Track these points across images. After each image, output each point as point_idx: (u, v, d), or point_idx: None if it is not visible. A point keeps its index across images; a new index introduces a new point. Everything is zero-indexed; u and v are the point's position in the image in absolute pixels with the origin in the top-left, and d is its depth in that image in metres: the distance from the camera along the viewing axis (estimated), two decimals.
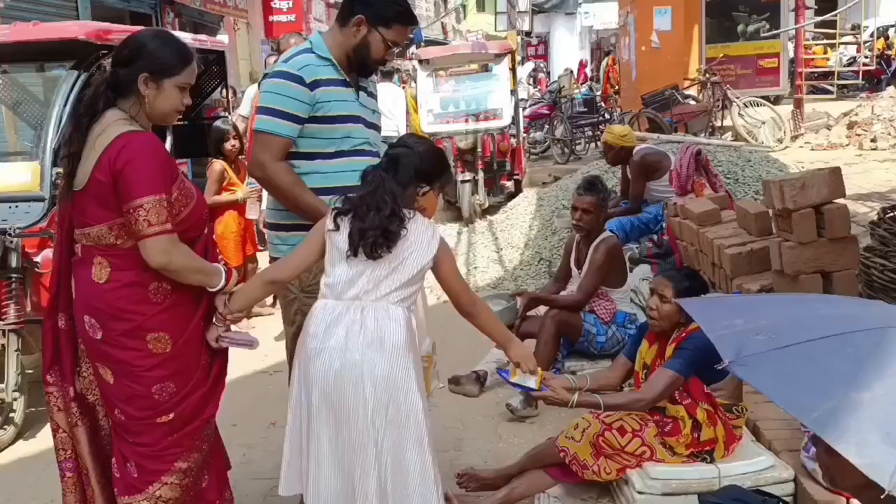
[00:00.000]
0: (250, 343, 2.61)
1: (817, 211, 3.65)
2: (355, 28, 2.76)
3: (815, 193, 3.63)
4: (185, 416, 2.39)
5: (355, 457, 2.33)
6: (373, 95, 3.00)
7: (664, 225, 5.81)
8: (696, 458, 2.97)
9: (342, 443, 2.34)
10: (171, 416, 2.36)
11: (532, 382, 2.89)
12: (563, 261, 4.67)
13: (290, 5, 15.94)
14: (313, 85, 2.74)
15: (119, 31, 4.72)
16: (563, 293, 4.63)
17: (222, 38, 11.30)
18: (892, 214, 4.32)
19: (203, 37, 7.30)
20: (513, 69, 9.91)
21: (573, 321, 4.25)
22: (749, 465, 2.92)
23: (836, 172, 3.72)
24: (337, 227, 2.42)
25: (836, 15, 14.17)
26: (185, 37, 8.38)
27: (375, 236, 2.36)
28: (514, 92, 9.66)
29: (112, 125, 2.25)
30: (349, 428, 2.33)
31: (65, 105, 4.48)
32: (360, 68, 2.85)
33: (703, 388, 2.99)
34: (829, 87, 16.66)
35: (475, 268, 7.27)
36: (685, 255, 5.33)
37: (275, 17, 15.94)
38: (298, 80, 2.73)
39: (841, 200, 3.87)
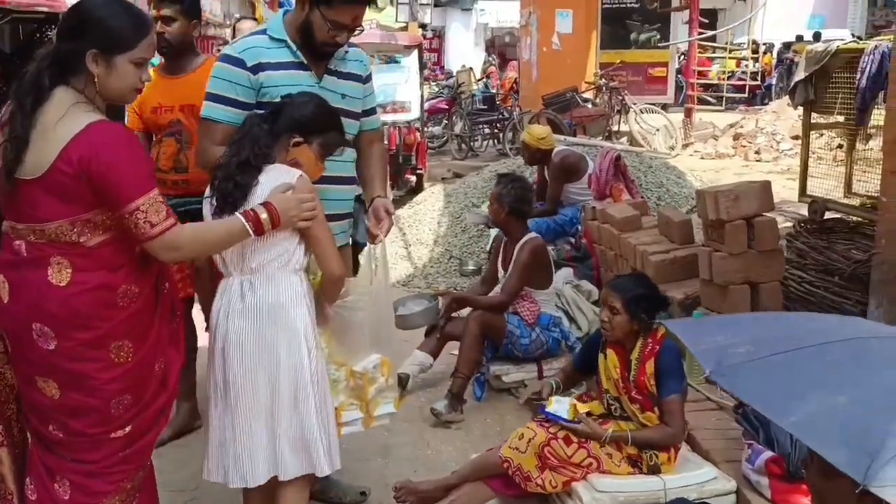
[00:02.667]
0: None
1: (748, 223, 3.72)
2: (299, 6, 2.59)
3: (747, 206, 3.70)
4: (141, 429, 2.18)
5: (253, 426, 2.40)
6: (351, 77, 2.79)
7: (580, 227, 5.84)
8: (640, 468, 2.94)
9: (240, 414, 2.39)
10: (128, 429, 2.15)
11: (565, 412, 2.92)
12: (490, 263, 4.60)
13: None
14: (256, 68, 2.60)
15: None
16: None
17: None
18: (807, 228, 4.50)
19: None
20: (420, 61, 9.78)
21: (496, 322, 4.18)
22: (693, 476, 2.92)
23: (766, 186, 3.82)
24: (213, 194, 2.42)
25: (726, 30, 14.86)
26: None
27: (225, 188, 2.33)
28: (421, 85, 9.52)
29: (71, 111, 2.00)
30: (245, 400, 2.38)
31: None
32: (311, 51, 2.65)
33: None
34: (711, 99, 17.53)
35: None
36: (603, 260, 5.37)
37: None
38: (239, 62, 2.60)
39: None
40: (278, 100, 2.59)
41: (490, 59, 21.59)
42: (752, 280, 3.75)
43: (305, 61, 2.66)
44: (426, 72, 20.36)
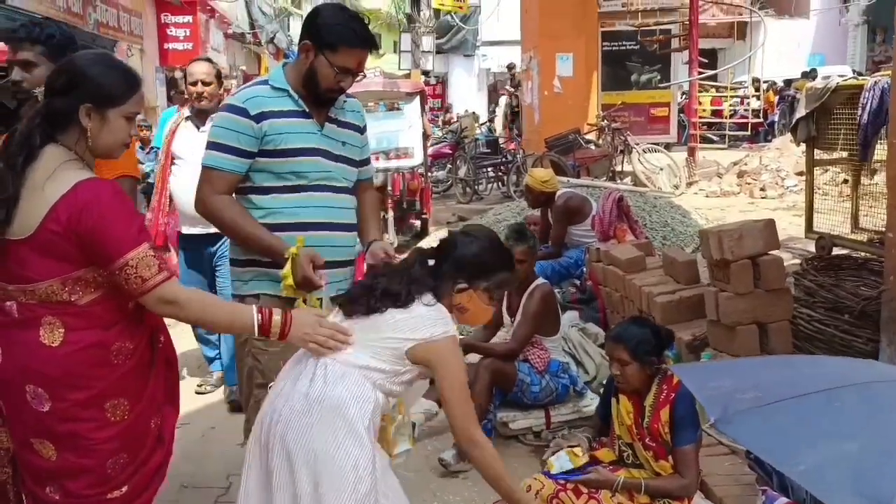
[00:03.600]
0: None
1: (753, 262, 3.67)
2: (304, 55, 2.63)
3: (752, 244, 3.66)
4: (138, 489, 2.13)
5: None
6: (350, 126, 2.82)
7: (585, 269, 5.80)
8: None
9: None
10: (125, 489, 2.09)
11: (568, 464, 2.88)
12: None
13: (188, 33, 15.45)
14: (259, 117, 2.62)
15: (4, 53, 4.30)
16: (494, 340, 4.49)
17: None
18: (815, 265, 4.45)
19: None
20: (422, 107, 9.85)
21: (507, 370, 4.11)
22: None
23: (770, 224, 3.78)
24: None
25: (727, 69, 14.98)
26: None
27: (365, 292, 2.16)
28: (424, 131, 9.59)
29: (61, 168, 1.98)
30: (271, 483, 2.08)
31: None
32: (314, 98, 2.68)
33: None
34: (714, 137, 17.60)
35: None
36: (609, 301, 5.32)
37: (170, 45, 15.41)
38: (242, 112, 2.62)
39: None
40: (281, 147, 2.62)
41: (493, 108, 21.76)
42: (760, 320, 3.69)
43: (307, 109, 2.68)
44: (428, 114, 20.62)
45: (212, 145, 2.66)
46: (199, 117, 4.39)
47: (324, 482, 2.01)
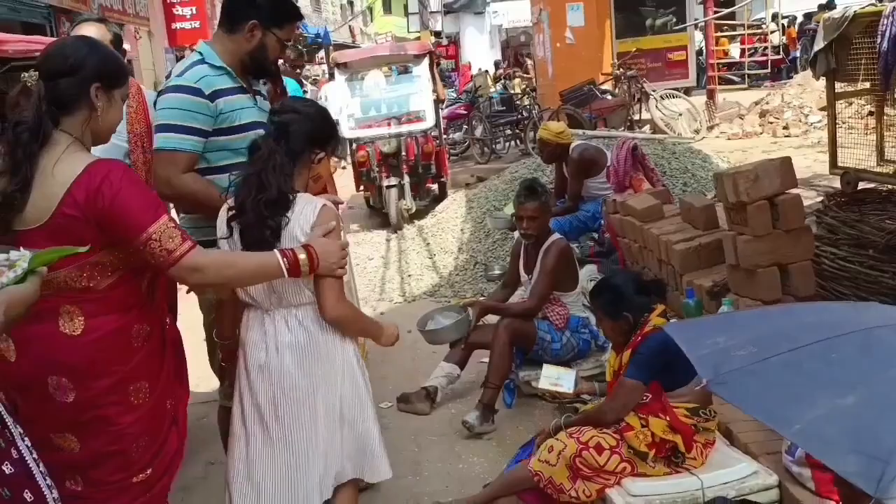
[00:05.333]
0: None
1: (771, 202, 3.57)
2: (249, 34, 2.72)
3: (768, 185, 3.55)
4: (159, 472, 2.15)
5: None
6: (266, 97, 2.97)
7: (603, 222, 5.71)
8: (672, 466, 2.82)
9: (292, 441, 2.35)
10: (149, 472, 2.12)
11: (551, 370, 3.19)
12: (510, 266, 4.49)
13: (194, 11, 15.35)
14: (213, 96, 2.67)
15: (14, 41, 4.29)
16: (512, 300, 4.45)
17: (125, 47, 10.70)
18: (837, 201, 4.32)
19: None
20: (432, 69, 9.71)
21: (526, 329, 4.07)
22: (731, 472, 2.79)
23: (786, 162, 3.66)
24: (231, 234, 2.34)
25: (742, 7, 14.57)
26: None
27: (259, 234, 2.26)
28: (435, 92, 9.45)
29: (68, 153, 1.97)
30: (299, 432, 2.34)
31: None
32: (257, 72, 2.84)
33: (660, 397, 2.84)
34: (735, 78, 17.17)
35: (409, 276, 7.03)
36: (628, 253, 5.24)
37: (178, 25, 15.32)
38: (197, 92, 2.64)
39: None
40: (237, 123, 2.70)
41: (502, 63, 21.46)
42: (780, 261, 3.59)
43: (244, 85, 2.78)
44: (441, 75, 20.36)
45: (168, 127, 2.64)
46: None
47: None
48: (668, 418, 2.80)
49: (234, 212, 2.33)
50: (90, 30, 3.06)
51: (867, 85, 6.20)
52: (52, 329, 1.98)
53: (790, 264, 3.60)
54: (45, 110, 1.96)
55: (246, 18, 2.69)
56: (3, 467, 1.49)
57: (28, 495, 1.52)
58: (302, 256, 2.20)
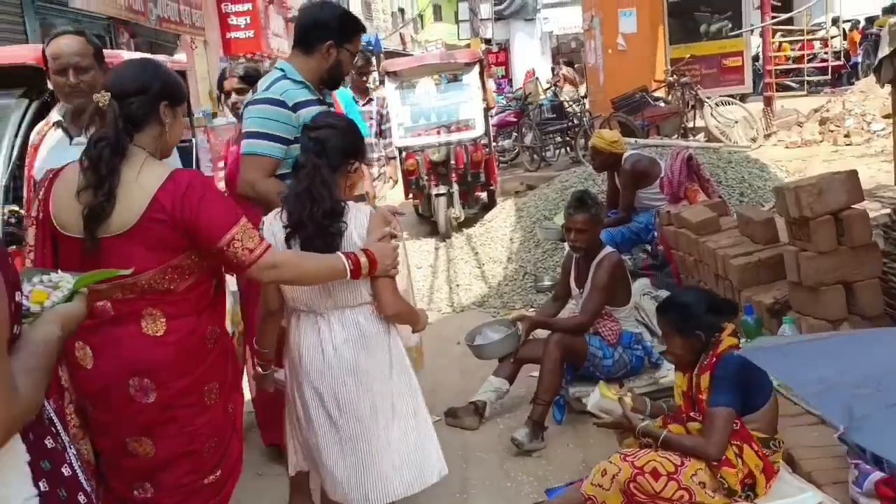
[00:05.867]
0: (285, 384, 2.70)
1: (836, 217, 3.42)
2: (326, 53, 3.00)
3: (833, 199, 3.41)
4: (226, 474, 2.26)
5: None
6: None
7: (655, 234, 5.58)
8: (739, 497, 2.70)
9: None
10: (218, 473, 2.23)
11: (597, 395, 3.00)
12: (561, 279, 4.40)
13: (248, 21, 15.58)
14: (295, 107, 2.92)
15: None
16: (562, 313, 4.36)
17: (180, 57, 10.93)
18: None
19: (162, 57, 6.91)
20: (482, 77, 9.66)
21: (578, 345, 3.98)
22: (795, 502, 2.66)
23: (852, 176, 3.51)
24: (290, 249, 2.50)
25: (801, 11, 14.21)
26: (162, 59, 8.03)
27: (323, 244, 2.43)
28: (485, 100, 9.39)
29: (147, 163, 2.12)
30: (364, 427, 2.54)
31: (15, 136, 4.09)
32: (331, 84, 3.14)
33: (741, 423, 2.72)
34: (793, 84, 16.74)
35: (457, 285, 6.98)
36: (682, 266, 5.10)
37: (232, 34, 15.57)
38: (281, 104, 2.91)
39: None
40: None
41: (556, 69, 21.25)
42: (845, 279, 3.44)
43: (321, 97, 3.06)
44: (493, 85, 20.28)
45: (252, 134, 2.92)
46: (73, 121, 3.00)
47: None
48: (756, 447, 2.68)
49: (289, 228, 2.48)
50: (69, 41, 2.87)
51: None
52: (136, 331, 2.09)
53: (856, 282, 3.44)
54: (122, 127, 2.10)
55: (322, 40, 2.97)
56: (63, 469, 1.56)
57: (82, 497, 1.60)
58: (363, 259, 2.40)
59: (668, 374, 4.16)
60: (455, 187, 8.72)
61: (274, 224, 2.54)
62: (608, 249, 4.11)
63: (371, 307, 2.56)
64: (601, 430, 3.95)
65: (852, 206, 3.45)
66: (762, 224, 4.28)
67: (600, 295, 3.98)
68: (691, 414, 2.80)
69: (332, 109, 3.11)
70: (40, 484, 1.45)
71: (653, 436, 2.76)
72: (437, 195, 8.57)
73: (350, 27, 3.06)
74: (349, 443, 2.54)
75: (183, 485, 2.15)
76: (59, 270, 1.75)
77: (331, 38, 2.97)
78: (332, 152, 2.52)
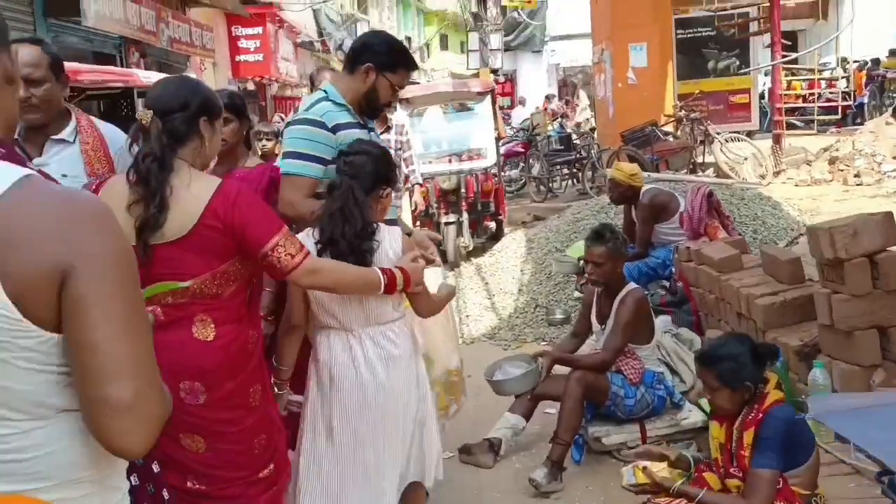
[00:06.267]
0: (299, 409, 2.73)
1: (871, 260, 3.33)
2: (364, 75, 2.98)
3: (868, 241, 3.32)
4: (279, 467, 2.36)
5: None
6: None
7: (673, 269, 5.49)
8: None
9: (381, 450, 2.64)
10: (271, 467, 2.32)
11: (632, 478, 2.90)
12: (581, 314, 4.29)
13: (258, 45, 15.62)
14: (335, 129, 2.92)
15: (88, 72, 4.31)
16: (582, 349, 4.26)
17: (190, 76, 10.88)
18: None
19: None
20: (493, 106, 9.64)
21: (600, 383, 3.87)
22: None
23: (888, 217, 3.43)
24: None
25: (814, 51, 14.27)
26: (160, 77, 8.00)
27: (352, 261, 2.52)
28: (496, 129, 9.37)
29: (194, 175, 2.23)
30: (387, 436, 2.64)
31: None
32: (369, 111, 3.08)
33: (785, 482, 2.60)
34: (798, 123, 16.77)
35: (467, 316, 6.87)
36: (702, 304, 5.01)
37: (241, 57, 15.61)
38: (321, 125, 2.91)
39: None
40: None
41: (560, 102, 21.35)
42: (880, 324, 3.34)
43: (361, 121, 3.03)
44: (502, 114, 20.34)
45: (292, 154, 2.91)
46: (30, 140, 2.75)
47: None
48: None
49: (321, 245, 2.58)
50: (27, 51, 2.68)
51: None
52: (187, 336, 2.17)
53: (891, 327, 3.34)
54: (166, 143, 2.19)
55: (363, 61, 2.96)
56: (153, 466, 1.68)
57: (165, 493, 1.71)
58: (398, 276, 2.53)
59: (690, 415, 4.06)
60: (465, 216, 8.65)
61: (306, 241, 2.56)
62: (632, 285, 4.02)
63: (400, 324, 2.68)
64: (621, 471, 3.88)
65: (888, 249, 3.36)
66: (788, 263, 4.20)
67: (624, 332, 3.88)
68: (731, 470, 2.67)
69: (371, 135, 3.08)
70: (131, 479, 1.55)
71: (689, 496, 2.62)
72: (447, 224, 8.49)
73: (396, 57, 3.02)
74: (360, 454, 2.61)
75: (239, 479, 2.25)
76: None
77: (372, 61, 2.96)
78: (364, 177, 2.62)
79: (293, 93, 17.23)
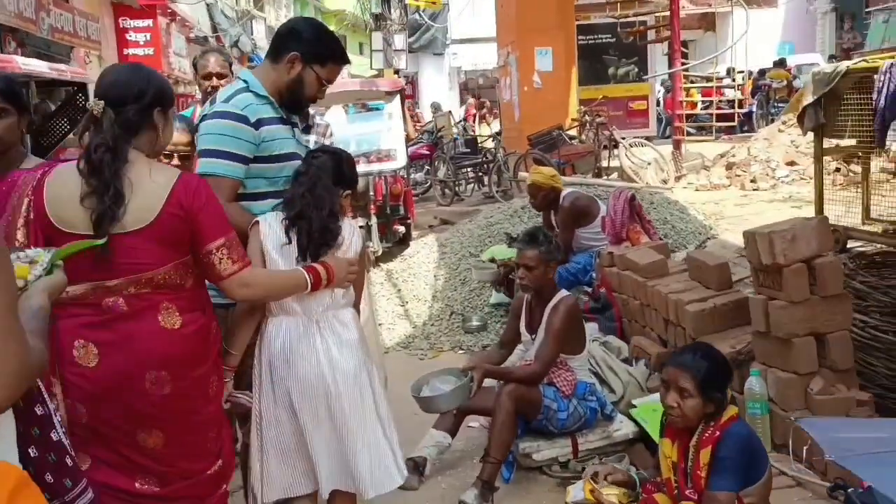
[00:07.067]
0: (250, 403, 2.64)
1: (808, 266, 3.27)
2: (289, 65, 2.72)
3: (805, 246, 3.26)
4: (226, 462, 2.35)
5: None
6: (307, 129, 3.00)
7: (594, 275, 5.38)
8: None
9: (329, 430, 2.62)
10: (220, 463, 2.32)
11: (581, 494, 2.85)
12: (510, 323, 4.08)
13: (148, 38, 14.81)
14: (257, 124, 2.66)
15: None
16: (511, 359, 4.05)
17: (77, 68, 10.14)
18: (859, 263, 4.06)
19: (63, 66, 6.28)
20: (403, 107, 9.38)
21: (532, 396, 3.67)
22: None
23: (823, 223, 3.38)
24: (290, 240, 2.56)
25: (713, 58, 14.73)
26: (41, 65, 7.32)
27: (321, 237, 2.55)
28: (405, 130, 9.11)
29: (153, 164, 2.22)
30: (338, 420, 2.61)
31: None
32: (291, 106, 2.80)
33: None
34: (691, 130, 17.32)
35: (380, 325, 6.56)
36: (626, 310, 4.91)
37: (130, 50, 14.76)
38: (243, 119, 2.64)
39: None
40: (276, 153, 2.71)
41: (468, 104, 21.34)
42: (818, 330, 3.29)
43: (284, 116, 2.76)
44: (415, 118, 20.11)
45: (213, 153, 2.64)
46: None
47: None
48: None
49: (288, 221, 2.56)
50: (213, 57, 3.36)
51: (853, 141, 6.10)
52: (153, 326, 2.15)
53: (828, 333, 3.29)
54: (119, 133, 2.14)
55: (289, 50, 2.71)
56: (52, 435, 1.67)
57: (69, 461, 1.70)
58: (323, 274, 2.51)
59: (622, 426, 3.92)
60: (374, 220, 8.35)
61: (271, 219, 2.60)
62: (563, 293, 3.84)
63: (350, 310, 2.71)
64: (553, 489, 3.70)
65: (823, 254, 3.31)
66: (716, 269, 4.14)
67: (556, 342, 3.69)
68: (686, 492, 2.51)
69: (296, 131, 2.81)
70: (30, 450, 1.59)
71: None
72: None
73: (327, 49, 2.75)
74: (336, 441, 2.61)
75: (189, 475, 2.23)
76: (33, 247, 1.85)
77: (299, 51, 2.69)
78: (331, 171, 2.62)
79: (186, 90, 16.42)
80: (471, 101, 18.80)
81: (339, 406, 2.59)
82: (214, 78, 4.05)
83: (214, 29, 21.06)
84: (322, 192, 2.57)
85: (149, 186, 2.13)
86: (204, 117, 2.80)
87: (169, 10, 15.72)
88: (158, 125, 2.24)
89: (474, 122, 16.51)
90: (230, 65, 4.11)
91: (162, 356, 2.15)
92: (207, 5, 20.68)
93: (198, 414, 2.25)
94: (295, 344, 2.59)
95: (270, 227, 2.60)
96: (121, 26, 14.71)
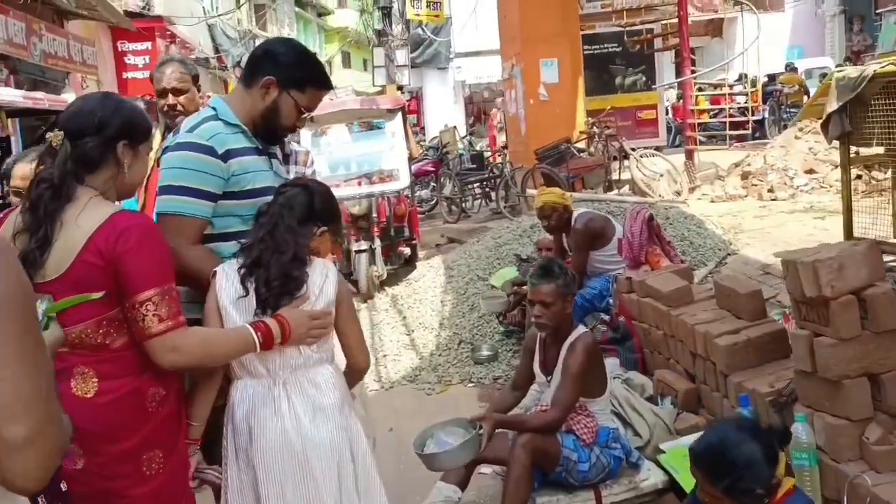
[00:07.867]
0: (218, 480, 2.31)
1: (858, 298, 2.90)
2: (264, 90, 2.46)
3: (854, 275, 2.89)
4: None
5: None
6: (287, 159, 2.74)
7: (610, 301, 5.01)
8: None
9: None
10: None
11: None
12: (522, 363, 3.71)
13: (147, 61, 14.60)
14: (226, 156, 2.39)
15: None
16: (524, 402, 3.69)
17: (67, 96, 9.90)
18: None
19: (39, 94, 5.99)
20: (405, 124, 9.06)
21: (549, 447, 3.30)
22: None
23: (873, 249, 3.01)
24: (247, 292, 2.27)
25: (723, 66, 14.40)
26: (15, 94, 7.05)
27: (282, 286, 2.25)
28: (408, 149, 8.80)
29: (92, 203, 1.97)
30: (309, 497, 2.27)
31: None
32: (266, 135, 2.53)
33: None
34: (702, 138, 16.95)
35: (384, 356, 6.22)
36: (647, 341, 4.53)
37: (129, 74, 14.60)
38: (209, 150, 2.37)
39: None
40: (248, 188, 2.45)
41: (472, 121, 21.07)
42: (871, 371, 2.91)
43: (260, 146, 2.50)
44: (418, 135, 19.82)
45: (177, 189, 2.37)
46: None
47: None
48: None
49: (244, 269, 2.29)
50: (170, 69, 2.98)
51: (881, 150, 5.75)
52: (65, 391, 1.91)
53: (883, 374, 2.91)
54: (71, 169, 1.96)
55: (263, 73, 2.45)
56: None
57: None
58: (275, 331, 2.19)
59: (649, 475, 3.54)
60: (377, 243, 8.02)
61: (228, 268, 2.32)
62: (581, 329, 3.47)
63: (329, 369, 2.36)
64: None
65: (875, 284, 2.93)
66: (749, 297, 3.76)
67: (574, 385, 3.32)
68: None
69: (274, 163, 2.56)
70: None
71: None
72: (358, 251, 7.83)
73: (306, 72, 2.48)
74: None
75: None
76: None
77: (275, 75, 2.42)
78: (299, 207, 2.33)
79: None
80: (494, 110, 18.44)
81: (311, 481, 2.26)
82: (170, 95, 3.44)
83: (216, 49, 20.90)
84: (284, 234, 2.28)
85: (70, 233, 1.91)
86: (164, 150, 2.51)
87: (168, 32, 15.55)
88: (123, 161, 2.03)
89: (497, 133, 16.16)
90: (195, 77, 3.54)
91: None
92: (209, 26, 20.53)
93: (124, 498, 1.95)
94: (259, 409, 2.28)
95: (227, 279, 2.31)
96: (119, 49, 14.55)
